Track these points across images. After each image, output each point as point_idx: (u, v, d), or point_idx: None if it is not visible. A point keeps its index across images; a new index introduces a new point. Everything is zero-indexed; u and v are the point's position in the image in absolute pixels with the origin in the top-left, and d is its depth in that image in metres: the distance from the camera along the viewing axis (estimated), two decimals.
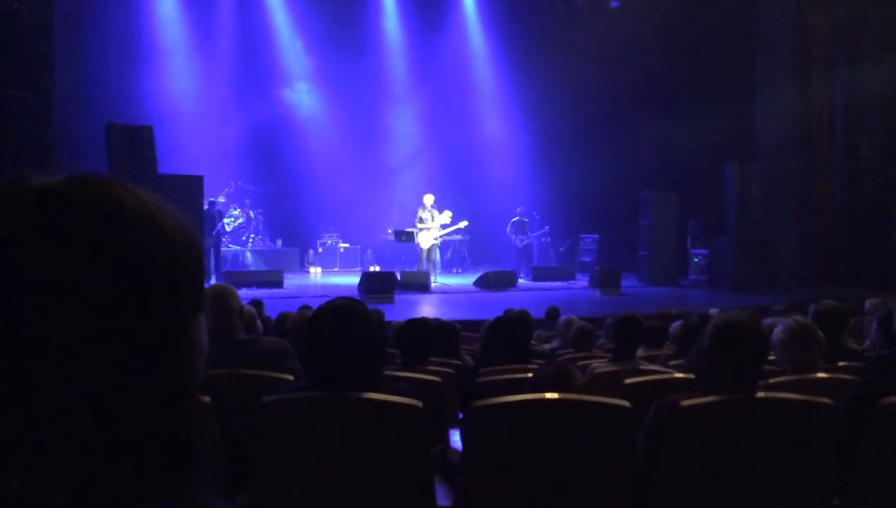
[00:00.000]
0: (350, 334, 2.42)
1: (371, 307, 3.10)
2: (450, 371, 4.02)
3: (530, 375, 2.83)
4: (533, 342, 5.68)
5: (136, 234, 0.65)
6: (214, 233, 13.20)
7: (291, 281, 13.83)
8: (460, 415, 3.67)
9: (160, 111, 14.23)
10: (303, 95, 16.85)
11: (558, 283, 15.00)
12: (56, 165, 11.62)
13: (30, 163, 10.96)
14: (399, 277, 13.01)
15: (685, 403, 2.46)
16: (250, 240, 16.16)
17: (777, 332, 3.49)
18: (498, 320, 4.54)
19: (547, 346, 6.25)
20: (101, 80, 14.19)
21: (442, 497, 2.76)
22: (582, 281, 15.21)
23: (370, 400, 2.39)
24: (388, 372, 3.41)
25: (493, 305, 10.13)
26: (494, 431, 2.49)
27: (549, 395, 2.46)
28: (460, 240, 16.11)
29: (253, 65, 16.40)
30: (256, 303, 6.67)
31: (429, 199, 14.08)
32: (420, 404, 2.42)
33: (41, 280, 0.60)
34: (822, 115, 16.59)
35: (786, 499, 2.51)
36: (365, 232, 16.73)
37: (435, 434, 3.16)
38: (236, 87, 16.10)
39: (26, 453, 0.61)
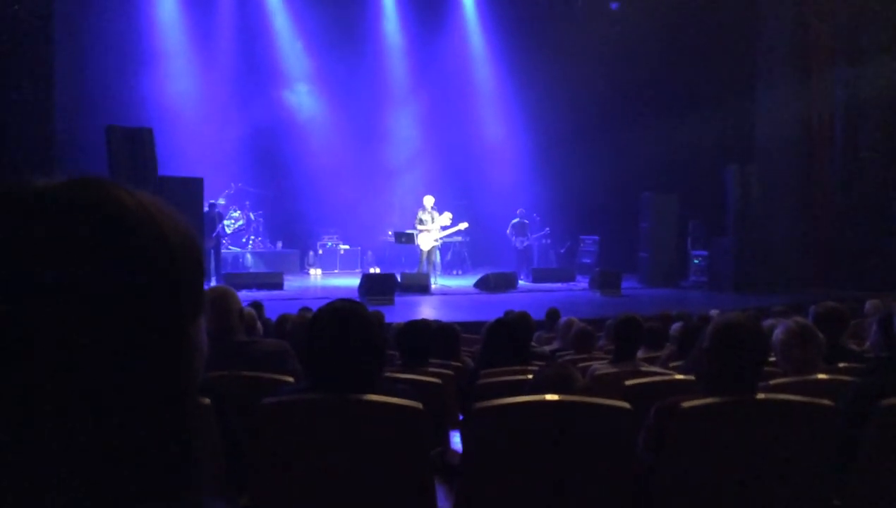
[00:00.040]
0: (350, 336, 2.42)
1: (371, 309, 3.10)
2: (450, 372, 4.02)
3: (530, 377, 2.83)
4: (533, 343, 5.67)
5: (136, 237, 0.65)
6: (214, 235, 13.20)
7: (291, 282, 13.83)
8: (460, 417, 3.68)
9: (160, 113, 14.24)
10: (303, 97, 16.86)
11: (558, 285, 15.00)
12: (56, 167, 11.61)
13: (30, 165, 10.97)
14: (399, 279, 13.02)
15: (685, 404, 2.46)
16: (250, 241, 16.16)
17: (777, 333, 3.49)
18: (498, 321, 4.54)
19: (547, 348, 6.25)
20: (102, 81, 14.20)
21: (442, 498, 2.75)
22: (582, 283, 15.21)
23: (370, 402, 2.39)
24: (388, 374, 3.41)
25: (494, 307, 10.13)
26: (495, 433, 2.49)
27: (549, 397, 2.46)
28: (460, 242, 16.11)
29: (253, 66, 16.41)
30: (256, 305, 6.67)
31: (429, 201, 14.08)
32: (420, 406, 2.42)
33: (41, 282, 0.60)
34: (822, 116, 16.58)
35: (786, 500, 2.51)
36: (365, 233, 16.74)
37: (435, 436, 3.16)
38: (236, 89, 16.11)
39: (26, 453, 0.61)
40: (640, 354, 4.81)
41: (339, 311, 2.46)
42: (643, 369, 4.13)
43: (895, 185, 15.56)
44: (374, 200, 16.93)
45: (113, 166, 10.58)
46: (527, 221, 16.15)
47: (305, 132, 16.69)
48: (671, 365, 4.53)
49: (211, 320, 3.28)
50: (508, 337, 4.28)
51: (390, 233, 15.36)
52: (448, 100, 17.59)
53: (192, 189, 11.60)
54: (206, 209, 12.91)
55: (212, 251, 13.03)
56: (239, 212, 15.86)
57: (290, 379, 3.13)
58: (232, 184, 15.90)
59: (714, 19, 16.20)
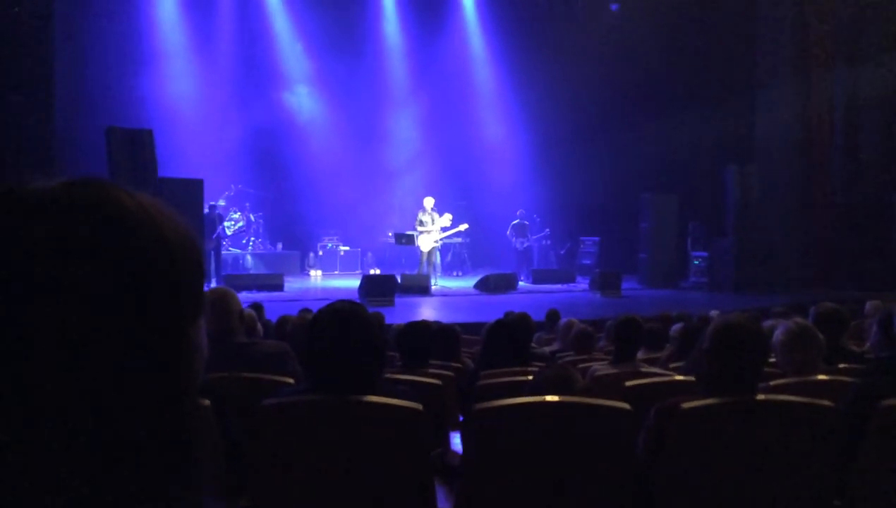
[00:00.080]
0: (350, 337, 2.42)
1: (371, 310, 3.11)
2: (450, 374, 4.02)
3: (530, 378, 2.83)
4: (533, 344, 5.67)
5: (136, 238, 0.65)
6: (215, 236, 13.20)
7: (292, 284, 13.83)
8: (460, 418, 3.67)
9: (160, 114, 14.25)
10: (303, 98, 16.87)
11: (558, 286, 15.00)
12: (56, 169, 11.62)
13: (30, 165, 10.97)
14: (399, 280, 13.02)
15: (685, 405, 2.46)
16: (250, 243, 16.17)
17: (777, 334, 3.48)
18: (498, 323, 4.54)
19: (547, 349, 6.24)
20: (102, 82, 14.21)
21: (442, 500, 2.76)
22: (582, 284, 15.21)
23: (370, 403, 2.39)
24: (388, 375, 3.41)
25: (494, 308, 10.13)
26: (495, 434, 2.49)
27: (549, 398, 2.46)
28: (460, 243, 16.11)
29: (253, 67, 16.42)
30: (257, 306, 6.67)
31: (429, 202, 14.08)
32: (420, 407, 2.42)
33: (42, 282, 0.61)
34: (821, 116, 16.59)
35: (786, 501, 2.51)
36: (365, 235, 16.74)
37: (435, 437, 3.16)
38: (236, 90, 16.11)
39: (26, 453, 0.61)
40: (641, 355, 4.81)
41: (339, 312, 2.46)
42: (643, 370, 4.13)
43: (895, 185, 15.56)
44: (375, 201, 16.93)
45: (113, 167, 10.58)
46: (527, 222, 16.16)
47: (305, 133, 16.70)
48: (671, 365, 4.53)
49: (211, 321, 3.28)
50: (508, 339, 4.28)
51: (390, 234, 15.36)
52: (448, 101, 17.59)
53: (192, 190, 11.60)
54: (206, 210, 12.92)
55: (212, 252, 13.03)
56: (239, 213, 15.87)
57: (291, 381, 3.13)
58: (232, 186, 15.90)
59: (714, 19, 16.22)
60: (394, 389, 2.55)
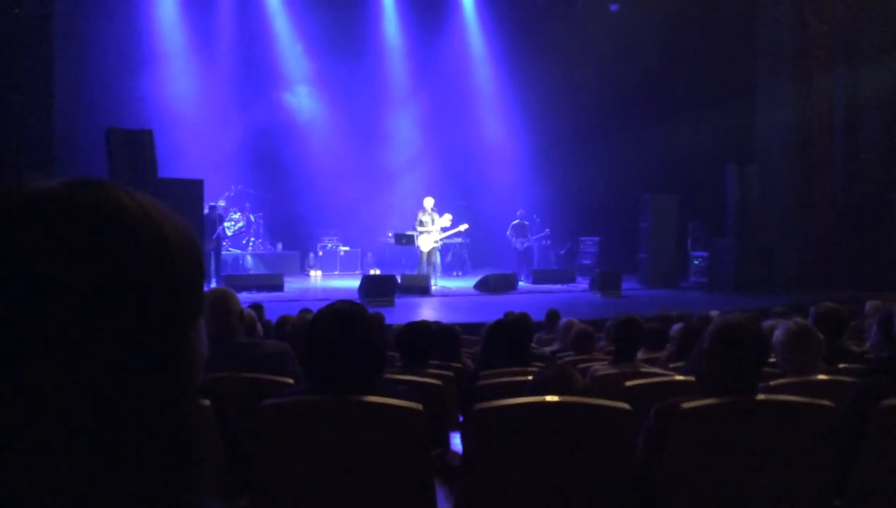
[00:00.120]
0: (350, 337, 2.42)
1: (371, 310, 3.11)
2: (450, 374, 4.02)
3: (530, 378, 2.83)
4: (533, 345, 5.67)
5: (136, 238, 0.65)
6: (215, 236, 13.21)
7: (292, 284, 13.83)
8: (460, 418, 3.67)
9: (160, 115, 14.26)
10: (303, 99, 16.87)
11: (558, 286, 15.00)
12: (56, 169, 11.62)
13: (30, 165, 10.97)
14: (399, 280, 13.02)
15: (685, 405, 2.46)
16: (251, 243, 16.17)
17: (777, 334, 3.48)
18: (498, 323, 4.54)
19: (547, 349, 6.24)
20: (102, 82, 14.23)
21: (442, 500, 2.76)
22: (582, 284, 15.22)
23: (370, 404, 2.39)
24: (388, 376, 3.41)
25: (494, 308, 10.13)
26: (495, 434, 2.49)
27: (549, 398, 2.46)
28: (460, 243, 16.11)
29: (253, 68, 16.43)
30: (256, 307, 6.67)
31: (429, 202, 14.08)
32: (420, 407, 2.42)
33: (42, 283, 0.61)
34: (822, 117, 16.60)
35: (786, 501, 2.51)
36: (365, 235, 16.74)
37: (435, 438, 3.16)
38: (236, 91, 16.12)
39: (26, 453, 0.61)
40: (641, 355, 4.81)
41: (339, 313, 2.46)
42: (643, 370, 4.13)
43: (895, 185, 15.57)
44: (375, 202, 16.93)
45: (113, 168, 10.59)
46: (527, 222, 16.16)
47: (305, 134, 16.70)
48: (671, 366, 4.53)
49: (211, 322, 3.28)
50: (508, 339, 4.28)
51: (390, 234, 15.36)
52: (448, 101, 17.59)
53: (192, 191, 11.61)
54: (206, 211, 12.92)
55: (212, 253, 13.03)
56: (239, 213, 15.87)
57: (291, 381, 3.13)
58: (232, 186, 15.91)
59: (714, 19, 16.22)
60: (394, 389, 2.55)
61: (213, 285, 11.63)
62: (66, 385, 0.61)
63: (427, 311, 10.89)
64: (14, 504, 0.61)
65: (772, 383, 3.16)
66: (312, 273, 15.90)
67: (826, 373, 3.40)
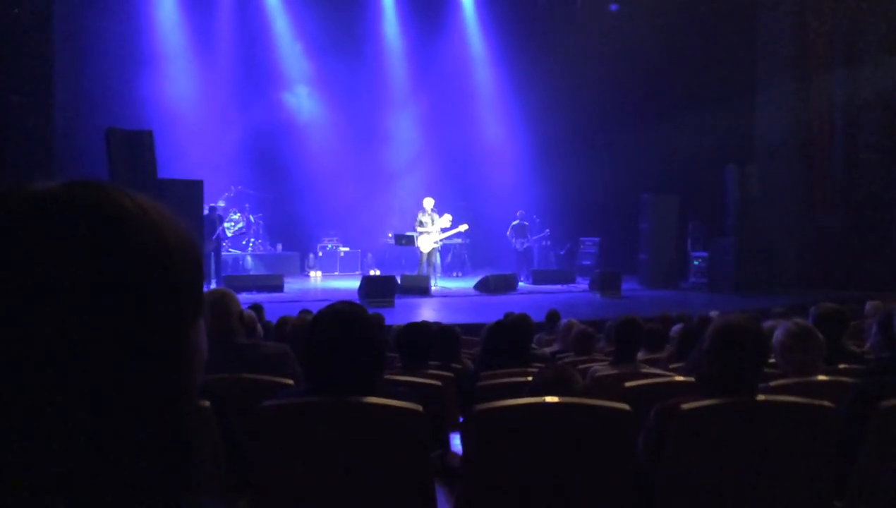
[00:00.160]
0: (350, 338, 2.42)
1: (371, 311, 3.11)
2: (450, 374, 4.02)
3: (530, 379, 2.83)
4: (533, 345, 5.68)
5: (135, 239, 0.65)
6: (215, 237, 13.20)
7: (292, 285, 13.82)
8: (461, 419, 3.67)
9: (160, 115, 14.25)
10: (303, 99, 16.86)
11: (558, 287, 15.00)
12: (56, 170, 11.63)
13: (29, 166, 10.98)
14: (399, 281, 13.02)
15: (685, 406, 2.46)
16: (250, 244, 16.17)
17: (777, 335, 3.48)
18: (498, 324, 4.54)
19: (547, 350, 6.25)
20: (101, 83, 14.22)
21: (442, 501, 2.76)
22: (582, 285, 15.21)
23: (370, 405, 2.39)
24: (387, 376, 3.41)
25: (494, 309, 10.13)
26: (495, 435, 2.49)
27: (549, 399, 2.46)
28: (460, 244, 16.11)
29: (253, 68, 16.42)
30: (256, 308, 6.67)
31: (429, 203, 14.08)
32: (420, 408, 2.42)
33: (42, 283, 0.61)
34: (821, 117, 16.60)
35: (786, 501, 2.51)
36: (365, 236, 16.74)
37: (435, 438, 3.16)
38: (236, 91, 16.11)
39: (26, 453, 0.61)
40: (641, 356, 4.81)
41: (339, 314, 2.46)
42: (643, 371, 4.13)
43: (895, 185, 15.57)
44: (374, 202, 16.93)
45: (113, 168, 10.59)
46: (527, 223, 16.15)
47: (305, 134, 16.69)
48: (671, 366, 4.53)
49: (211, 323, 3.28)
50: (508, 339, 4.28)
51: (390, 235, 15.36)
52: (448, 102, 17.59)
53: (191, 191, 11.60)
54: (206, 212, 12.92)
55: (212, 254, 13.03)
56: (239, 214, 15.87)
57: (290, 382, 3.13)
58: (232, 187, 15.91)
59: (714, 20, 16.22)
60: (393, 390, 2.55)
61: (213, 286, 11.63)
62: (66, 385, 0.61)
63: (427, 312, 10.89)
64: (14, 504, 0.61)
65: (772, 383, 3.15)
66: (312, 274, 15.90)
67: (826, 374, 3.40)
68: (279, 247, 16.69)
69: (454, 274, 16.07)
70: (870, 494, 2.57)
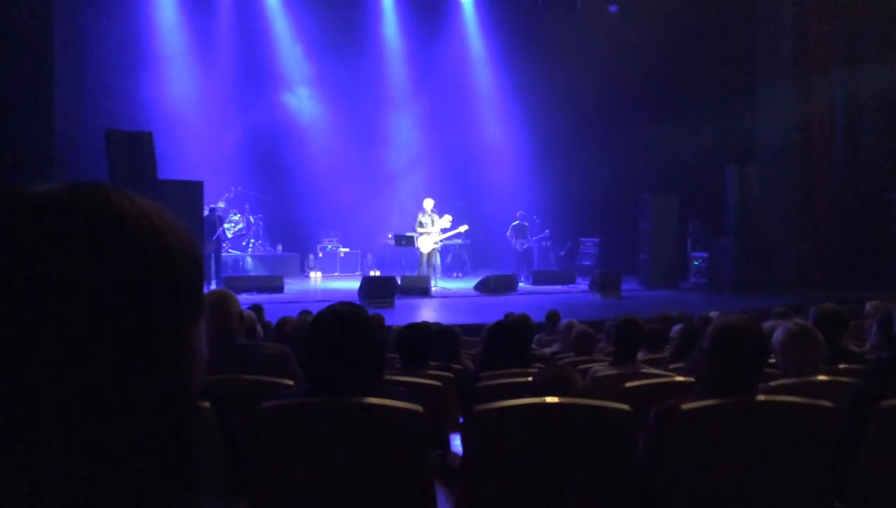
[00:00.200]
0: (350, 339, 2.42)
1: (371, 311, 3.11)
2: (450, 375, 4.02)
3: (531, 379, 2.83)
4: (533, 346, 5.68)
5: (135, 240, 0.65)
6: (215, 238, 13.20)
7: (292, 285, 13.82)
8: (461, 420, 3.67)
9: (160, 116, 14.25)
10: (303, 100, 16.86)
11: (558, 287, 15.00)
12: (56, 170, 11.62)
13: (29, 167, 10.97)
14: (399, 282, 13.01)
15: (685, 406, 2.46)
16: (250, 245, 16.16)
17: (777, 335, 3.48)
18: (498, 324, 4.54)
19: (547, 350, 6.25)
20: (102, 84, 14.22)
21: (442, 501, 2.76)
22: (582, 285, 15.21)
23: (370, 405, 2.39)
24: (387, 377, 3.41)
25: (494, 309, 10.13)
26: (495, 435, 2.49)
27: (549, 399, 2.46)
28: (460, 244, 16.11)
29: (253, 69, 16.41)
30: (256, 308, 6.67)
31: (429, 203, 14.08)
32: (420, 408, 2.42)
33: (42, 284, 0.61)
34: (821, 117, 16.60)
35: (786, 501, 2.51)
36: (365, 236, 16.73)
37: (435, 439, 3.16)
38: (236, 92, 16.11)
39: (26, 453, 0.61)
40: (641, 356, 4.81)
41: (339, 314, 2.46)
42: (643, 371, 4.13)
43: (895, 185, 15.57)
44: (374, 203, 16.92)
45: (112, 170, 10.58)
46: (527, 223, 16.15)
47: (305, 135, 16.69)
48: (671, 366, 4.53)
49: (211, 323, 3.28)
50: (508, 340, 4.28)
51: (390, 235, 15.36)
52: (448, 102, 17.59)
53: (191, 192, 11.61)
54: (206, 213, 12.92)
55: (212, 254, 13.03)
56: (239, 215, 15.87)
57: (290, 383, 3.12)
58: (232, 188, 15.90)
59: (713, 22, 16.23)
60: (393, 391, 2.55)
61: (213, 287, 11.63)
62: (66, 386, 0.61)
63: (427, 312, 10.89)
64: (14, 504, 0.61)
65: (772, 384, 3.15)
66: (312, 274, 15.90)
67: (826, 374, 3.40)
68: (279, 247, 16.69)
69: (454, 274, 16.07)
70: (870, 494, 2.57)
